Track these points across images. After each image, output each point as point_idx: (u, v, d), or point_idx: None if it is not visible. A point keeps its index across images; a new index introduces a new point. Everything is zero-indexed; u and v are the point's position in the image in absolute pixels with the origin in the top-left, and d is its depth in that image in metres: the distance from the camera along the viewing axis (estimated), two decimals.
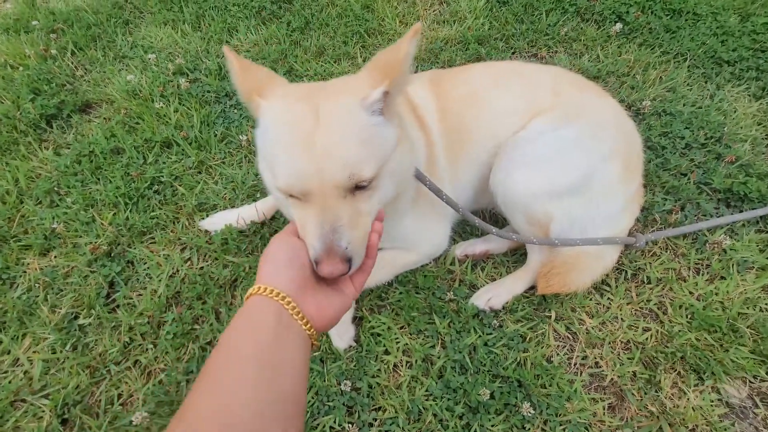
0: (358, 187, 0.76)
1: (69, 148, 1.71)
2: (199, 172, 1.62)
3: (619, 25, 2.05)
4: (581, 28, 2.11)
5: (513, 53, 2.05)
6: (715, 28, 1.99)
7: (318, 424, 1.07)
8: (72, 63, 2.07)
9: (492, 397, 1.07)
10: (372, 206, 0.80)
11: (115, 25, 2.26)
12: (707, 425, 1.03)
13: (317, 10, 2.28)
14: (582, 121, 1.12)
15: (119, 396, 1.14)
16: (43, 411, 1.11)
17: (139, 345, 1.22)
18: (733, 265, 1.27)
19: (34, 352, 1.21)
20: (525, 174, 1.11)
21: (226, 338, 0.61)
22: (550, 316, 1.22)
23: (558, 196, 1.13)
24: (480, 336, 1.18)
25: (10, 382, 1.15)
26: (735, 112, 1.68)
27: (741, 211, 1.37)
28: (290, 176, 0.74)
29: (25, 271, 1.37)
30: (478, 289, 1.27)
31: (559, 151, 1.11)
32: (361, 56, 2.05)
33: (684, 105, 1.71)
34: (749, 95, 1.74)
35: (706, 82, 1.81)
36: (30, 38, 2.18)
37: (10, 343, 1.22)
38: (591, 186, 1.14)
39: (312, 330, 0.66)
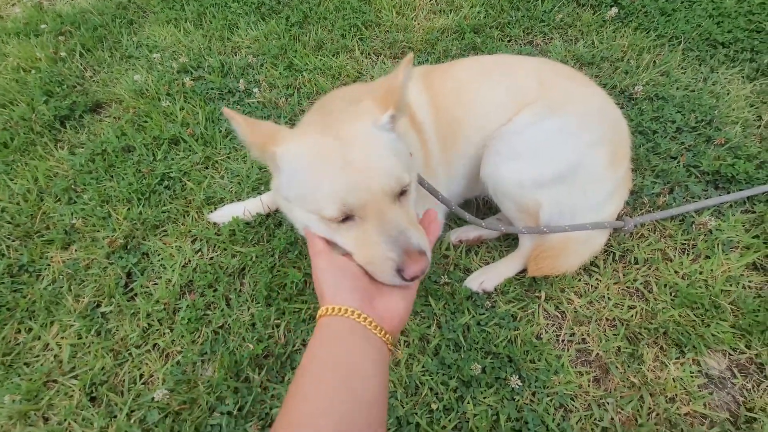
0: (401, 193, 0.80)
1: (83, 148, 1.80)
2: (206, 167, 1.70)
3: (614, 10, 2.06)
4: (577, 14, 2.12)
5: (509, 41, 2.07)
6: (711, 10, 1.99)
7: None
8: (81, 64, 2.15)
9: (483, 371, 1.14)
10: (413, 208, 0.84)
11: (120, 26, 2.33)
12: (686, 395, 1.10)
13: (315, 4, 2.32)
14: (568, 111, 1.17)
15: (141, 376, 1.24)
16: (73, 390, 1.21)
17: (157, 330, 1.31)
18: (718, 244, 1.32)
19: (62, 337, 1.31)
20: (513, 165, 1.16)
21: (305, 361, 0.63)
22: (540, 297, 1.29)
23: (546, 184, 1.18)
24: (473, 316, 1.25)
25: (42, 365, 1.26)
26: (728, 94, 1.70)
27: (728, 193, 1.41)
28: (341, 196, 0.74)
29: (49, 264, 1.48)
30: (472, 272, 1.34)
31: (546, 142, 1.16)
32: (358, 49, 2.09)
33: (677, 89, 1.73)
34: (743, 77, 1.76)
35: (700, 65, 1.83)
36: (40, 41, 2.26)
37: (39, 329, 1.33)
38: (578, 174, 1.19)
39: (387, 335, 0.68)
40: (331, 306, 0.67)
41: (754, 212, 1.38)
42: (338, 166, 0.76)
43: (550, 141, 1.16)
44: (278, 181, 0.87)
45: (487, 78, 1.24)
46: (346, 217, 0.77)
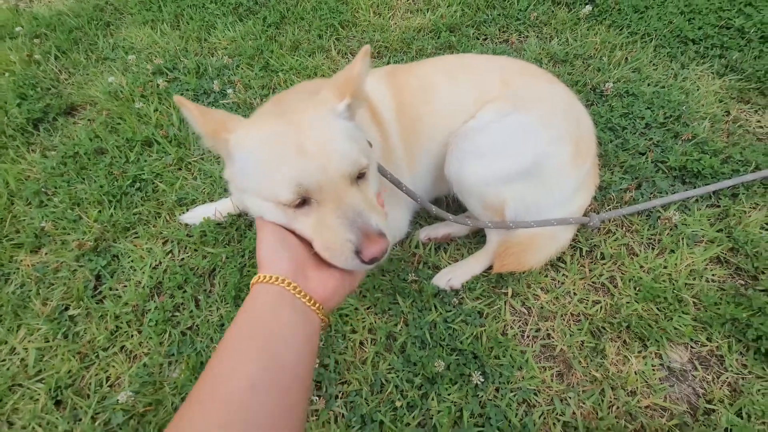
0: (359, 177, 0.79)
1: (55, 151, 1.79)
2: (179, 169, 1.69)
3: (588, 7, 2.08)
4: (552, 12, 2.14)
5: (484, 40, 2.08)
6: (682, 7, 2.01)
7: None
8: (56, 67, 2.14)
9: (448, 368, 1.15)
10: (373, 192, 0.83)
11: (96, 28, 2.32)
12: (647, 388, 1.11)
13: (292, 5, 2.32)
14: (530, 108, 1.18)
15: (107, 379, 1.23)
16: (38, 394, 1.20)
17: (125, 332, 1.31)
18: (682, 239, 1.33)
19: (29, 341, 1.31)
20: (476, 163, 1.17)
21: (230, 326, 0.63)
22: (507, 293, 1.29)
23: (509, 181, 1.18)
24: (440, 314, 1.26)
25: (7, 369, 1.25)
26: (697, 90, 1.72)
27: (695, 188, 1.43)
28: (297, 179, 0.73)
29: (18, 268, 1.47)
30: (441, 270, 1.35)
31: (508, 139, 1.16)
32: (335, 48, 2.09)
33: (648, 85, 1.75)
34: (712, 73, 1.77)
35: (671, 62, 1.84)
36: (15, 44, 2.25)
37: (6, 334, 1.32)
38: (542, 170, 1.19)
39: (318, 305, 0.67)
40: (263, 274, 0.67)
41: (719, 206, 1.39)
42: (293, 151, 0.75)
43: (513, 137, 1.16)
44: (231, 170, 0.85)
45: (451, 76, 1.24)
46: (303, 202, 0.75)
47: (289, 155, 0.75)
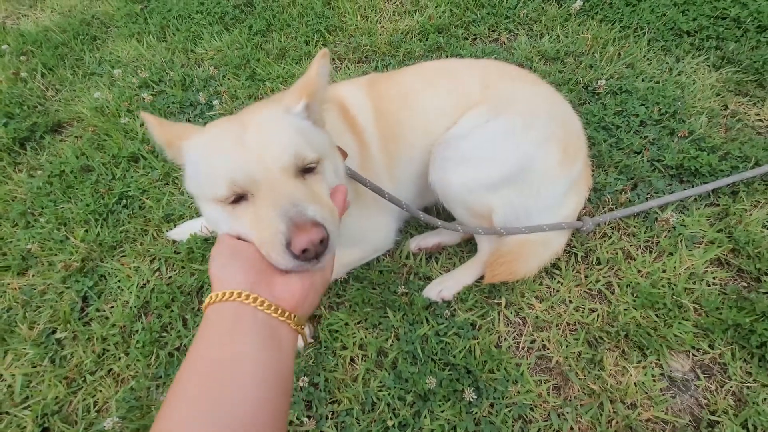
0: (306, 171, 0.75)
1: (42, 170, 1.77)
2: (166, 184, 1.67)
3: (579, 2, 2.03)
4: (542, 8, 2.09)
5: (474, 40, 2.04)
6: None
7: None
8: (42, 84, 2.12)
9: (440, 384, 1.11)
10: (323, 189, 0.77)
11: (83, 43, 2.30)
12: (648, 400, 1.06)
13: (278, 11, 2.29)
14: (512, 111, 1.14)
15: (95, 404, 1.21)
16: (25, 422, 1.18)
17: (112, 354, 1.29)
18: (681, 240, 1.28)
19: (16, 367, 1.29)
20: (459, 170, 1.13)
21: (182, 365, 0.57)
22: (500, 303, 1.25)
23: (495, 187, 1.15)
24: (432, 327, 1.22)
25: None
26: (693, 84, 1.67)
27: (693, 186, 1.38)
28: (230, 172, 0.70)
29: (5, 292, 1.45)
30: (433, 280, 1.31)
31: (491, 144, 1.13)
32: None
33: (642, 80, 1.70)
34: (708, 65, 1.72)
35: (665, 55, 1.79)
36: (1, 62, 2.23)
37: None
38: (528, 174, 1.16)
39: (288, 314, 0.61)
40: (216, 293, 0.59)
41: (719, 205, 1.34)
42: (230, 147, 0.73)
43: (496, 143, 1.12)
44: (186, 179, 0.84)
45: (430, 83, 1.21)
46: (240, 197, 0.72)
47: (227, 151, 0.74)
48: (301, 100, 0.83)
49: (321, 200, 0.73)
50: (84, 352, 1.29)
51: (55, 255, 1.50)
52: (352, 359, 1.21)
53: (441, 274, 1.34)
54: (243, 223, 0.71)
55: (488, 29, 2.06)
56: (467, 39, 2.04)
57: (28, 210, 1.63)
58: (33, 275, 1.48)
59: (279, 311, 0.60)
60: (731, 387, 1.06)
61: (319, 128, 0.88)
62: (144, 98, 1.91)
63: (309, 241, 0.63)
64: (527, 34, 2.01)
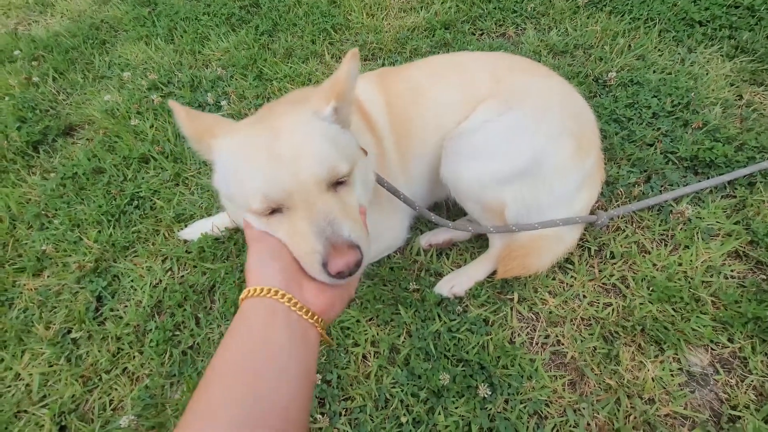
0: (338, 183, 0.75)
1: (55, 172, 1.79)
2: (176, 184, 1.68)
3: None
4: (549, 2, 2.07)
5: (481, 35, 2.03)
6: None
7: None
8: (54, 88, 2.15)
9: (453, 380, 1.11)
10: (355, 200, 0.78)
11: (92, 47, 2.33)
12: (666, 395, 1.05)
13: (284, 11, 2.30)
14: (525, 104, 1.13)
15: (110, 402, 1.22)
16: (43, 420, 1.20)
17: (127, 353, 1.30)
18: (697, 233, 1.26)
19: (33, 366, 1.30)
20: (471, 165, 1.12)
21: (218, 351, 0.58)
22: (513, 299, 1.24)
23: (507, 182, 1.14)
24: (444, 323, 1.22)
25: (12, 396, 1.25)
26: (707, 74, 1.64)
27: (707, 178, 1.35)
28: (265, 187, 0.70)
29: (21, 293, 1.47)
30: (444, 277, 1.30)
31: (503, 138, 1.11)
32: (328, 53, 2.06)
33: (653, 72, 1.68)
34: (722, 55, 1.69)
35: (677, 46, 1.76)
36: (14, 68, 2.27)
37: (11, 360, 1.32)
38: (541, 168, 1.14)
39: (316, 318, 0.63)
40: (253, 288, 0.62)
41: (735, 197, 1.32)
42: (264, 158, 0.72)
43: (508, 137, 1.11)
44: (216, 177, 0.83)
45: (441, 77, 1.20)
46: (275, 210, 0.72)
47: (260, 162, 0.72)
48: (329, 102, 0.80)
49: (353, 215, 0.74)
50: (99, 351, 1.31)
51: (69, 256, 1.52)
52: (364, 356, 1.21)
53: (452, 270, 1.33)
54: (279, 234, 0.72)
55: (495, 24, 2.04)
56: (474, 34, 2.02)
57: (42, 212, 1.65)
58: (48, 276, 1.50)
59: (309, 314, 0.62)
60: (752, 381, 1.04)
61: (347, 131, 0.86)
62: (153, 100, 1.92)
63: (345, 265, 0.66)
64: (535, 28, 1.99)
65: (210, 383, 0.55)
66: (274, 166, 0.71)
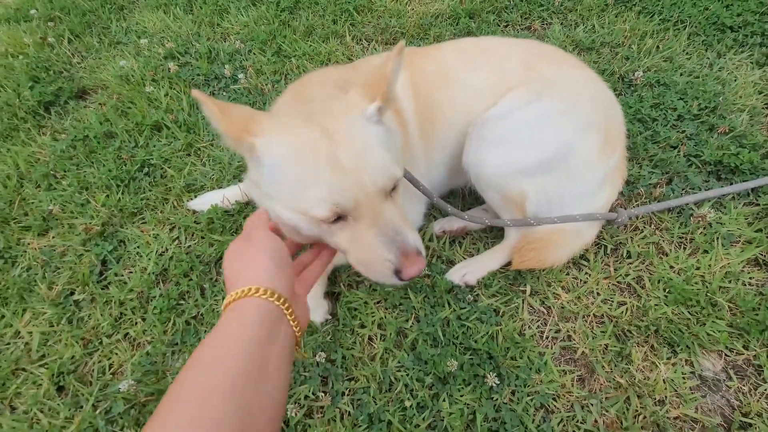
0: (392, 188, 0.77)
1: (65, 134, 1.77)
2: (188, 155, 1.65)
3: None
4: None
5: (505, 26, 1.99)
6: None
7: (294, 393, 1.11)
8: (69, 50, 2.12)
9: (461, 368, 1.09)
10: (401, 201, 0.82)
11: (110, 11, 2.30)
12: (677, 397, 1.03)
13: None
14: (554, 94, 1.10)
15: (110, 366, 1.21)
16: (41, 379, 1.18)
17: (129, 319, 1.28)
18: (717, 238, 1.23)
19: (33, 325, 1.29)
20: (495, 153, 1.10)
21: (208, 340, 0.55)
22: (525, 291, 1.22)
23: (531, 173, 1.11)
24: (454, 310, 1.19)
25: (11, 353, 1.24)
26: (735, 80, 1.61)
27: (731, 184, 1.33)
28: (333, 197, 0.70)
29: (25, 251, 1.45)
30: (455, 264, 1.28)
31: (531, 128, 1.09)
32: (349, 34, 2.02)
33: (681, 75, 1.64)
34: (752, 62, 1.66)
35: (706, 50, 1.73)
36: (29, 27, 2.24)
37: (11, 317, 1.30)
38: (566, 161, 1.12)
39: (300, 332, 0.64)
40: (264, 288, 0.59)
41: (758, 205, 1.29)
42: (328, 165, 0.71)
43: (536, 126, 1.08)
44: (257, 175, 0.79)
45: (470, 61, 1.17)
46: (338, 218, 0.74)
47: (325, 169, 0.71)
48: (374, 101, 0.79)
49: (408, 222, 0.78)
50: (101, 315, 1.29)
51: (76, 218, 1.50)
52: (370, 338, 1.19)
53: (464, 258, 1.31)
54: (340, 240, 0.76)
55: (521, 16, 2.01)
56: (499, 25, 1.99)
57: (51, 172, 1.63)
58: (53, 237, 1.48)
59: (298, 327, 0.63)
60: (765, 390, 1.02)
61: (391, 130, 0.85)
62: (170, 68, 1.89)
63: (418, 271, 0.72)
64: (561, 23, 1.96)
65: (197, 373, 0.52)
66: (340, 177, 0.71)
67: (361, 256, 0.73)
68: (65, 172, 1.63)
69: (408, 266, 0.70)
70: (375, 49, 1.97)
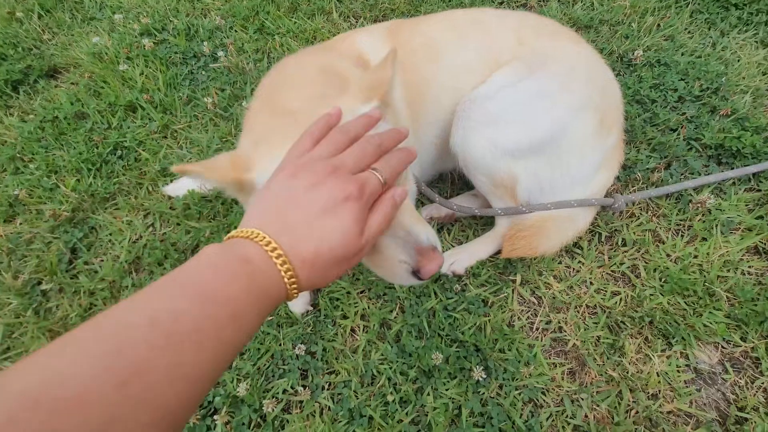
0: None
1: (34, 114, 1.67)
2: (164, 137, 1.57)
3: None
4: None
5: (500, 3, 1.90)
6: None
7: (272, 387, 1.06)
8: (39, 26, 2.00)
9: (446, 361, 1.04)
10: (410, 201, 0.76)
11: None
12: (671, 391, 0.98)
13: None
14: (548, 71, 1.02)
15: None
16: None
17: (100, 309, 1.21)
18: (716, 225, 1.18)
19: None
20: (485, 133, 1.02)
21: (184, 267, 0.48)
22: (515, 280, 1.17)
23: (522, 155, 1.04)
24: (440, 301, 1.14)
25: None
26: (738, 60, 1.53)
27: (732, 168, 1.27)
28: None
29: None
30: (444, 252, 1.22)
31: (522, 106, 1.01)
32: (336, 11, 1.92)
33: (682, 54, 1.57)
34: (756, 42, 1.58)
35: (709, 29, 1.65)
36: None
37: None
38: (560, 143, 1.05)
39: (293, 280, 0.52)
40: (261, 233, 0.51)
41: (759, 190, 1.23)
42: None
43: (528, 105, 1.01)
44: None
45: (460, 34, 1.09)
46: None
47: None
48: (371, 101, 0.73)
49: (419, 218, 0.72)
50: (70, 305, 1.22)
51: (44, 203, 1.42)
52: (352, 329, 1.14)
53: (452, 246, 1.25)
54: None
55: None
56: (494, 1, 1.89)
57: (18, 155, 1.53)
58: (20, 223, 1.40)
59: (289, 273, 0.51)
60: (762, 383, 0.98)
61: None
62: (145, 46, 1.79)
63: (437, 267, 0.67)
64: (558, 0, 1.86)
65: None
66: None
67: (376, 261, 0.70)
68: (33, 155, 1.54)
69: (425, 265, 0.66)
70: (363, 26, 1.87)
